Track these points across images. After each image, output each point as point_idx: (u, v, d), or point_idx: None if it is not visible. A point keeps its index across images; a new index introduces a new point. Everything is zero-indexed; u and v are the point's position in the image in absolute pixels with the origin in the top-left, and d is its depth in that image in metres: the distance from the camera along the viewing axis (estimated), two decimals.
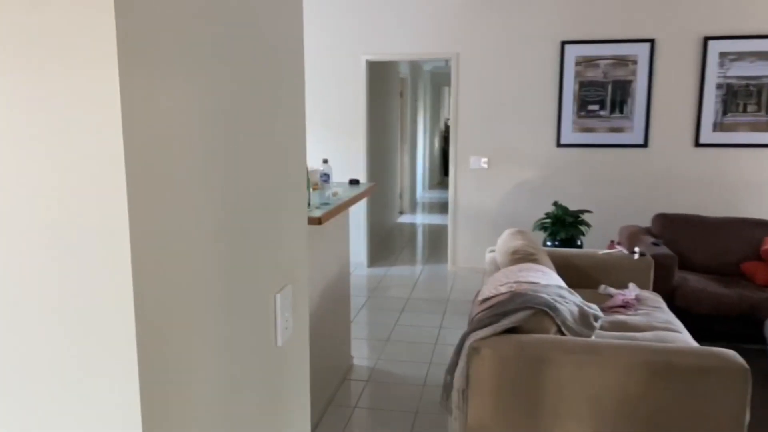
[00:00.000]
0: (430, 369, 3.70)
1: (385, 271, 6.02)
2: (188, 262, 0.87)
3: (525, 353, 2.41)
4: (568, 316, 2.65)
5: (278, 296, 1.27)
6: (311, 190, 2.73)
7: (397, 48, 5.86)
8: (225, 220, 0.99)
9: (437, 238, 7.66)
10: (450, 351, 3.97)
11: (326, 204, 2.78)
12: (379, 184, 7.22)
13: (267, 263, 1.20)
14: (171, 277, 0.83)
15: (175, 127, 0.82)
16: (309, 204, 2.70)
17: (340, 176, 5.84)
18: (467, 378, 2.48)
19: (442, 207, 10.06)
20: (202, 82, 0.89)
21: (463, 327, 4.40)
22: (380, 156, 7.24)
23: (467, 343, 2.54)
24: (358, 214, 6.13)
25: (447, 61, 9.06)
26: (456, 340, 4.12)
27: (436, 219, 9.12)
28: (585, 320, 2.73)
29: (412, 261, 6.49)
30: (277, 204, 1.24)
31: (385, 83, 7.52)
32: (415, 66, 10.07)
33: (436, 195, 11.71)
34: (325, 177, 2.75)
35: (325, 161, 2.78)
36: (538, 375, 2.38)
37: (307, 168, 2.76)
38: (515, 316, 2.55)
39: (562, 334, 2.62)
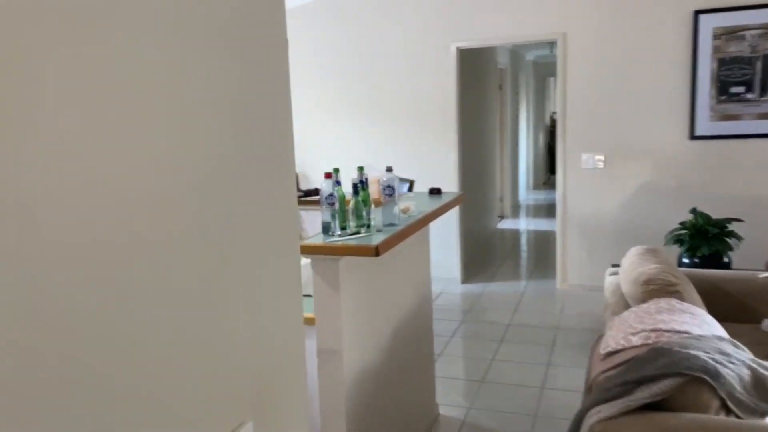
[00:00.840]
0: (536, 424, 2.94)
1: (483, 289, 5.27)
2: None
3: None
4: (737, 385, 1.85)
5: None
6: (371, 206, 2.10)
7: (492, 32, 5.10)
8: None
9: (543, 248, 6.78)
10: (561, 398, 3.19)
11: (392, 225, 2.13)
12: (476, 187, 6.46)
13: (181, 397, 0.57)
14: None
15: None
16: (369, 226, 2.06)
17: (427, 179, 5.16)
18: None
19: (549, 210, 9.11)
20: None
21: (576, 365, 3.58)
22: (476, 155, 6.49)
23: (587, 423, 1.81)
24: (450, 222, 5.42)
25: (552, 45, 8.15)
26: (568, 383, 3.33)
27: (541, 224, 8.21)
28: (761, 389, 1.91)
29: (514, 276, 5.68)
30: (216, 258, 0.61)
31: (480, 74, 6.76)
32: (515, 55, 9.20)
33: (541, 196, 10.74)
34: (390, 190, 2.10)
35: (389, 169, 2.13)
36: None
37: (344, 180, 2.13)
38: (657, 386, 1.79)
39: (727, 410, 1.83)
